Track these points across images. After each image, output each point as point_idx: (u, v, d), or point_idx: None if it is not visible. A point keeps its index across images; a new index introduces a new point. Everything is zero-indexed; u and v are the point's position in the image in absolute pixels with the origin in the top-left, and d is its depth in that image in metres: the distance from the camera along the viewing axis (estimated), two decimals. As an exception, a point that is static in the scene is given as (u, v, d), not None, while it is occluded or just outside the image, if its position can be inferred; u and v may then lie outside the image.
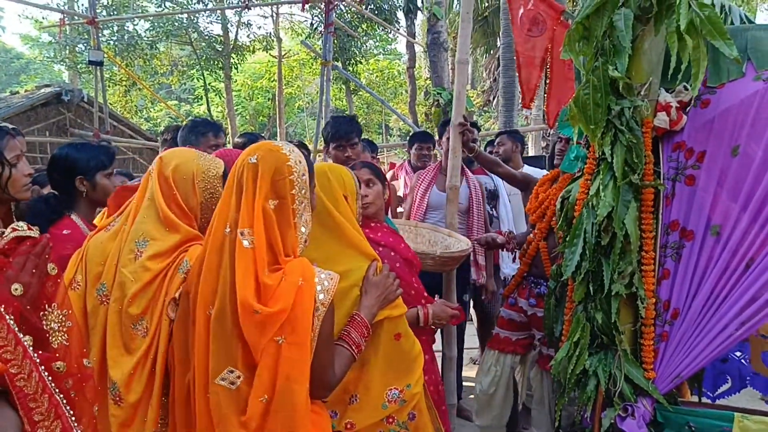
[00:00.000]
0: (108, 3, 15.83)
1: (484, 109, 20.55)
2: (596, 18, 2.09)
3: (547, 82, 3.41)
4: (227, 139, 4.27)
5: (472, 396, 4.02)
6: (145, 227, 1.76)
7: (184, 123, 3.40)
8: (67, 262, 1.85)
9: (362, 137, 3.63)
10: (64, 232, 2.17)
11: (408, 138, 5.47)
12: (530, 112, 13.92)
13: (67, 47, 15.11)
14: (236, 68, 19.42)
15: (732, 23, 3.25)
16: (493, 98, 17.22)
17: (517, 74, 3.23)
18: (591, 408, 2.13)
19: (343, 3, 11.11)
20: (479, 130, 5.13)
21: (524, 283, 3.32)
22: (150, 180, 1.81)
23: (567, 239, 2.19)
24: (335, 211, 1.86)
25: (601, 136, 2.09)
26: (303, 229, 1.58)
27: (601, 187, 2.08)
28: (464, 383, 4.38)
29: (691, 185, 2.06)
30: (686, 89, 2.09)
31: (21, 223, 1.31)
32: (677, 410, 2.07)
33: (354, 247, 1.86)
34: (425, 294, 2.48)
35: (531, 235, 3.27)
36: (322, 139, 3.35)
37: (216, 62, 18.08)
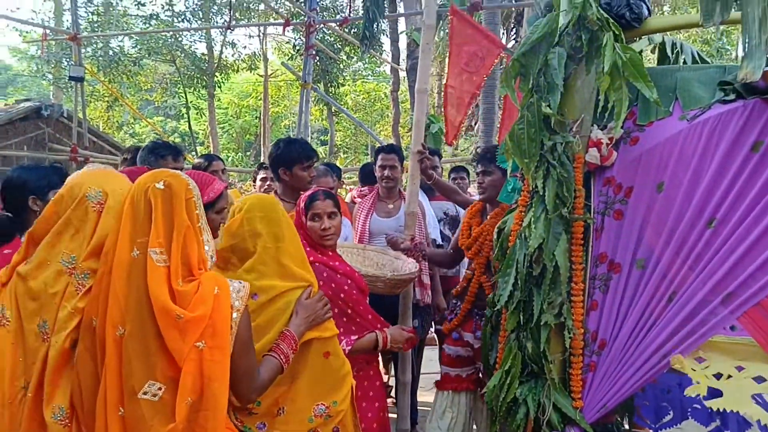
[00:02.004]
0: (93, 19, 15.89)
1: (470, 133, 20.74)
2: (532, 56, 2.17)
3: (501, 114, 3.49)
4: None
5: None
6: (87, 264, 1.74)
7: (145, 144, 3.44)
8: None
9: (330, 161, 3.67)
10: (5, 251, 2.19)
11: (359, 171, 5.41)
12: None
13: (51, 62, 15.11)
14: (220, 87, 19.50)
15: (684, 62, 3.36)
16: (475, 123, 17.41)
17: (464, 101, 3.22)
18: (521, 436, 2.16)
19: (324, 26, 11.24)
20: (441, 157, 5.17)
21: (468, 317, 3.25)
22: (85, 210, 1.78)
23: (501, 269, 2.24)
24: (275, 245, 2.00)
25: (534, 170, 2.15)
26: (207, 247, 1.70)
27: (533, 219, 2.14)
28: (420, 407, 4.38)
29: (619, 219, 2.13)
30: (615, 127, 2.16)
31: None
32: (603, 439, 2.12)
33: (291, 276, 1.97)
34: (381, 319, 2.58)
35: (468, 270, 3.23)
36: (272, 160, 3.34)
37: (200, 80, 18.16)
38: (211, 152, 16.36)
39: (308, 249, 2.34)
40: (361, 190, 4.84)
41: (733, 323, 1.97)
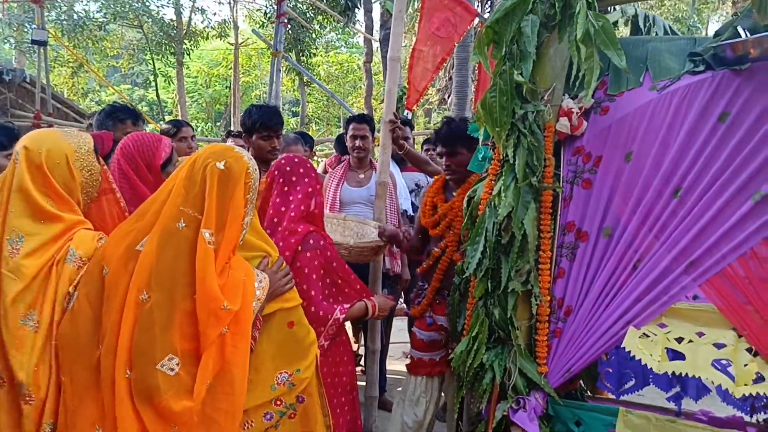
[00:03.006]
0: (57, -19, 15.36)
1: (443, 107, 20.71)
2: (505, 23, 2.15)
3: (475, 82, 3.47)
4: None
5: (400, 389, 4.03)
6: (17, 222, 1.67)
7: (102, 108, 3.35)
8: None
9: (302, 131, 3.62)
10: None
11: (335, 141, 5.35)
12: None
13: (12, 25, 14.59)
14: (189, 55, 19.08)
15: (656, 33, 3.39)
16: (448, 96, 17.37)
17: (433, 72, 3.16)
18: (487, 400, 2.19)
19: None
20: (413, 128, 5.15)
21: (439, 299, 3.12)
22: (16, 170, 1.71)
23: (470, 237, 2.25)
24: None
25: (505, 139, 2.15)
26: (244, 231, 1.75)
27: (503, 188, 2.14)
28: (389, 376, 4.43)
29: (587, 188, 2.15)
30: (585, 96, 2.16)
31: None
32: (567, 404, 2.16)
33: (247, 246, 1.91)
34: (368, 289, 2.66)
35: (437, 248, 3.10)
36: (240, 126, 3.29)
37: (168, 47, 17.73)
38: (180, 121, 16.05)
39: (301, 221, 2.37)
40: (336, 159, 4.78)
41: (696, 291, 2.02)
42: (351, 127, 4.04)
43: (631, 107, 2.12)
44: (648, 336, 2.03)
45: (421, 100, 10.34)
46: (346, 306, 2.41)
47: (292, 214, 2.34)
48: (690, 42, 2.17)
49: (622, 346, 1.98)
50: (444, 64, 3.33)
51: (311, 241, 2.34)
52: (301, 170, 2.42)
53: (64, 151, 1.76)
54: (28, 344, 1.65)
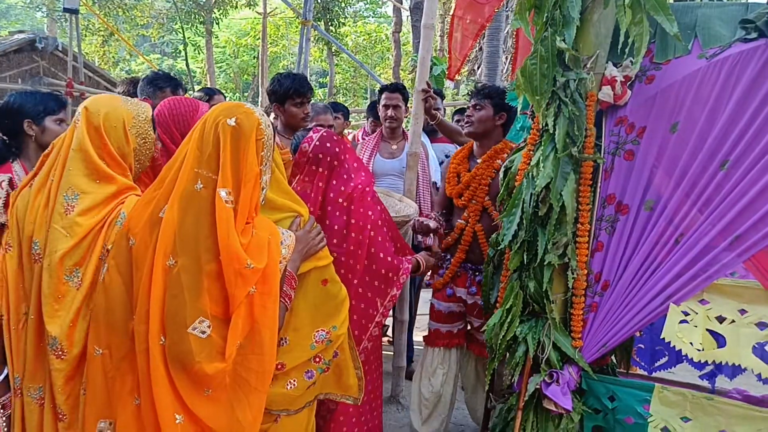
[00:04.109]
0: (88, -52, 15.36)
1: (471, 78, 20.42)
2: (547, -13, 2.08)
3: (513, 51, 3.39)
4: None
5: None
6: (74, 180, 1.71)
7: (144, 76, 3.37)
8: None
9: (336, 102, 3.58)
10: None
11: (366, 108, 5.29)
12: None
13: (44, -7, 14.71)
14: (218, 24, 19.03)
15: None
16: (478, 67, 17.10)
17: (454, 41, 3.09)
18: (519, 373, 2.18)
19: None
20: (443, 98, 5.07)
21: (461, 272, 3.10)
22: (76, 131, 1.75)
23: (506, 208, 2.21)
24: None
25: (545, 107, 2.09)
26: (263, 190, 1.71)
27: (541, 158, 2.09)
28: (416, 347, 4.44)
29: (629, 160, 2.09)
30: (632, 64, 2.09)
31: None
32: (601, 379, 2.13)
33: (276, 207, 1.91)
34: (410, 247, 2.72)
35: (461, 220, 3.08)
36: (267, 95, 3.26)
37: (197, 16, 17.70)
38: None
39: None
40: (372, 126, 4.70)
41: (738, 267, 1.96)
42: (383, 96, 3.98)
43: (678, 76, 2.04)
44: (688, 314, 1.99)
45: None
46: (409, 258, 2.50)
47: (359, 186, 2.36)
48: (742, 8, 2.07)
49: (661, 337, 1.95)
50: (483, 31, 3.24)
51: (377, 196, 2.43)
52: (342, 145, 2.41)
53: (122, 116, 1.79)
54: (68, 299, 1.68)
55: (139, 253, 1.59)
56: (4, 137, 2.31)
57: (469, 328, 3.19)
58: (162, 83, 3.19)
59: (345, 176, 2.35)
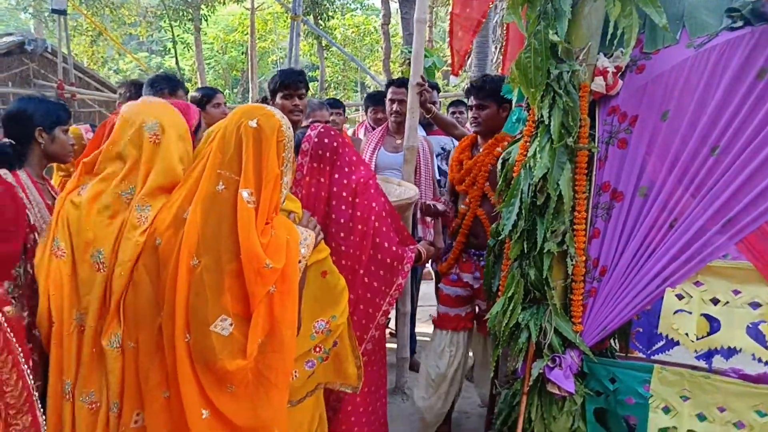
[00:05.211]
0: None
1: (463, 69, 20.40)
2: (539, -19, 2.12)
3: (503, 42, 3.43)
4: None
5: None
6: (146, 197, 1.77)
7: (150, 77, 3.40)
8: None
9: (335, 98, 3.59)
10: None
11: (364, 99, 5.34)
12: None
13: (30, -6, 14.61)
14: (206, 20, 18.95)
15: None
16: (468, 57, 17.11)
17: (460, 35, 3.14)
18: (523, 359, 2.24)
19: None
20: (439, 91, 5.10)
21: (465, 257, 3.20)
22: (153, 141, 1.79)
23: (505, 199, 2.26)
24: None
25: (540, 99, 2.15)
26: (284, 191, 1.75)
27: (538, 149, 2.14)
28: (418, 338, 4.51)
29: (623, 148, 2.15)
30: (623, 54, 2.14)
31: None
32: (602, 362, 2.20)
33: None
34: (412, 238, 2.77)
35: (463, 206, 3.17)
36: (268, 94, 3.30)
37: (185, 13, 17.62)
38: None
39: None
40: (373, 114, 4.74)
41: (731, 250, 2.03)
42: (390, 90, 4.01)
43: (667, 65, 2.10)
44: (683, 297, 2.06)
45: (441, 64, 10.22)
46: (413, 247, 2.55)
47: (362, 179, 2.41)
48: (728, -3, 2.13)
49: (659, 332, 2.02)
50: (481, 26, 3.29)
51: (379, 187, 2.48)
52: (339, 139, 2.45)
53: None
54: None
55: (165, 253, 1.64)
56: (8, 143, 2.32)
57: (477, 311, 3.28)
58: (160, 84, 3.22)
59: (346, 169, 2.40)
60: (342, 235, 2.31)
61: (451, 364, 3.19)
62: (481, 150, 3.11)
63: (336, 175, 2.38)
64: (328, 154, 2.37)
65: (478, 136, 3.20)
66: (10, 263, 1.74)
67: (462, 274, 3.20)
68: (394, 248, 2.44)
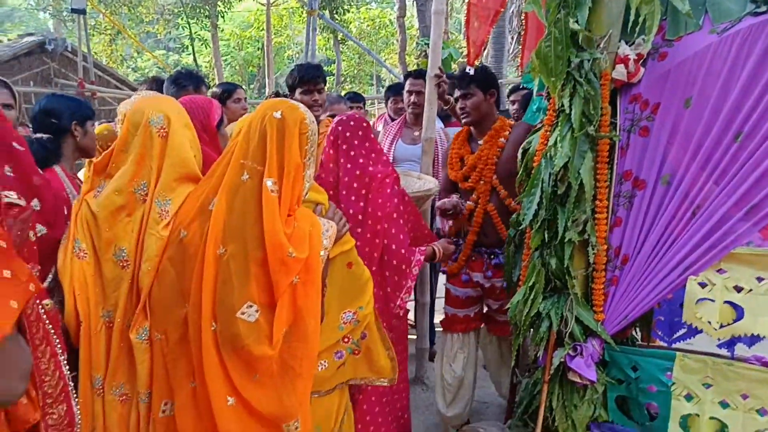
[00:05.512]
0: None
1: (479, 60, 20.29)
2: (559, -30, 2.12)
3: (522, 33, 3.42)
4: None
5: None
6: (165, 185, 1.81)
7: (170, 73, 3.45)
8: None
9: (355, 92, 3.61)
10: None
11: (384, 90, 5.35)
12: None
13: (50, -6, 14.78)
14: (223, 17, 19.04)
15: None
16: (484, 48, 17.03)
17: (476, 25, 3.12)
18: (544, 348, 2.25)
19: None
20: (456, 82, 5.09)
21: (475, 256, 3.10)
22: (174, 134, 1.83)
23: (525, 189, 2.26)
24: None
25: (560, 88, 2.14)
26: (306, 184, 1.78)
27: (559, 138, 2.14)
28: (436, 329, 4.51)
29: (645, 136, 2.14)
30: (645, 41, 2.13)
31: (11, 192, 1.37)
32: (624, 350, 2.20)
33: None
34: (433, 235, 2.81)
35: (470, 202, 3.06)
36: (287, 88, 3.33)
37: (202, 10, 17.73)
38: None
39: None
40: (393, 105, 4.75)
41: (754, 237, 2.01)
42: (408, 82, 4.01)
43: (689, 52, 2.08)
44: (706, 285, 2.05)
45: (458, 55, 10.18)
46: (423, 248, 2.56)
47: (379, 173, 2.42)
48: (752, -18, 2.10)
49: (683, 321, 2.01)
50: (498, 17, 3.28)
51: (396, 187, 2.48)
52: (355, 128, 2.46)
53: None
54: None
55: (191, 244, 1.67)
56: (45, 138, 2.35)
57: (486, 310, 3.24)
58: (184, 81, 3.27)
59: (361, 161, 2.40)
60: (351, 226, 2.33)
61: (466, 366, 3.18)
62: (481, 143, 3.04)
63: (348, 165, 2.40)
64: (339, 141, 2.40)
65: (472, 128, 3.14)
66: (52, 249, 1.80)
67: (472, 273, 3.12)
68: (402, 251, 2.45)
